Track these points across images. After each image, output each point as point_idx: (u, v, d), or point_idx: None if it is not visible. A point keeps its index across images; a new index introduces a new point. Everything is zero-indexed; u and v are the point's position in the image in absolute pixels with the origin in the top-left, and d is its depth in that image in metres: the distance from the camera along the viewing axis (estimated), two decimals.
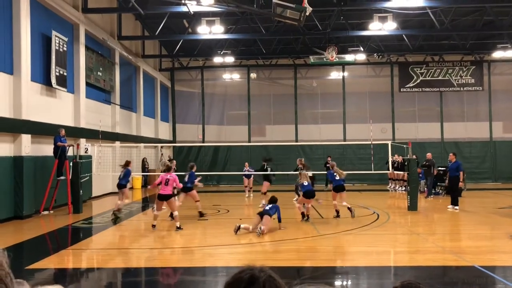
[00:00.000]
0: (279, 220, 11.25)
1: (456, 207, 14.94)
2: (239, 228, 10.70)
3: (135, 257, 9.11)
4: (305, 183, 12.62)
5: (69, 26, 17.06)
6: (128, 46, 23.13)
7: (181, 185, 12.37)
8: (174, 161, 20.89)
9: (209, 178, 27.18)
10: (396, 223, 12.82)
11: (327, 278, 7.66)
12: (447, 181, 20.01)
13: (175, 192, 14.80)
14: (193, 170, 14.03)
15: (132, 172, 22.71)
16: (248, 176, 19.64)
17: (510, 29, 22.16)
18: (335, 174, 13.56)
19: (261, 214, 11.01)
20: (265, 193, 15.70)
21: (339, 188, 13.45)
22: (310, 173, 15.90)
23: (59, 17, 16.22)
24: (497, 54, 25.39)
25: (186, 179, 13.68)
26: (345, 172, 14.00)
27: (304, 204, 12.89)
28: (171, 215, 12.23)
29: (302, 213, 12.73)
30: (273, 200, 11.64)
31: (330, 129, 28.66)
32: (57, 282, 7.08)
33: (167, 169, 12.04)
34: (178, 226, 11.38)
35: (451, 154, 16.09)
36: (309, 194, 12.51)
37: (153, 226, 11.57)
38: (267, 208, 11.31)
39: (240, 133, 29.10)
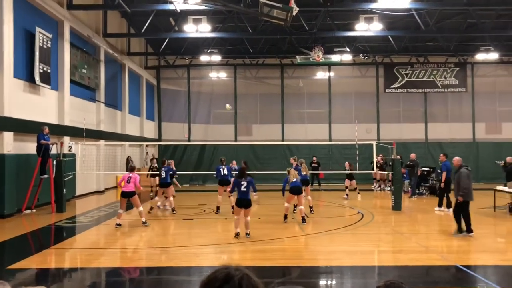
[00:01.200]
0: (254, 190, 10.68)
1: (438, 209, 15.02)
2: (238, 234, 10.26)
3: (119, 257, 9.04)
4: (294, 180, 12.56)
5: (54, 22, 16.84)
6: (113, 43, 22.92)
7: (140, 187, 12.38)
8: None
9: (195, 178, 27.10)
10: (380, 222, 12.93)
11: (312, 277, 7.71)
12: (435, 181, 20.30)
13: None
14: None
15: (117, 171, 22.71)
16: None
17: (492, 32, 22.53)
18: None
19: (243, 204, 10.23)
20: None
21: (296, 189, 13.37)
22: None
23: (43, 13, 15.99)
24: (480, 56, 25.77)
25: (225, 172, 14.75)
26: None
27: (295, 206, 12.79)
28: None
29: (285, 215, 12.55)
30: (243, 172, 10.58)
31: (316, 129, 28.79)
32: (39, 282, 7.00)
33: (131, 169, 12.46)
34: (144, 221, 11.90)
35: (441, 155, 15.86)
36: (295, 190, 12.37)
37: (118, 224, 11.72)
38: (244, 189, 10.17)
39: (227, 132, 29.05)
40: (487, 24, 22.01)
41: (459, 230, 10.65)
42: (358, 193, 19.31)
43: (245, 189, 10.21)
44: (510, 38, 25.25)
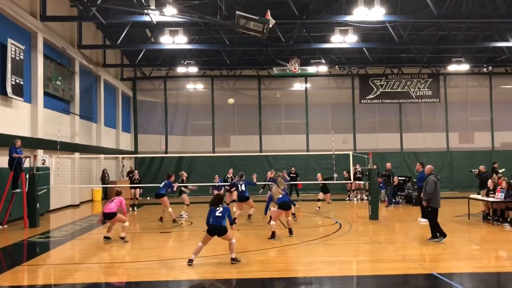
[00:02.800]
0: (231, 223, 9.76)
1: (423, 220, 14.54)
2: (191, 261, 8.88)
3: (95, 272, 8.82)
4: (280, 196, 12.14)
5: (27, 34, 16.56)
6: (88, 55, 22.65)
7: (125, 212, 11.88)
8: (136, 171, 20.57)
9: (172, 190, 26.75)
10: (358, 232, 13.01)
11: None
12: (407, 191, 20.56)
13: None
14: (243, 178, 14.94)
15: (92, 184, 22.33)
16: (218, 188, 18.24)
17: (463, 44, 23.18)
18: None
19: (214, 232, 8.97)
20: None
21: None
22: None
23: (16, 24, 15.72)
24: (452, 68, 26.46)
25: (243, 188, 14.64)
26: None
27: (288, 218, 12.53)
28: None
29: (273, 232, 11.61)
30: (220, 198, 9.53)
31: (293, 140, 28.95)
32: None
33: (117, 194, 11.87)
34: (122, 236, 11.46)
35: (417, 164, 15.98)
36: (284, 205, 11.91)
37: (106, 237, 11.59)
38: (218, 214, 9.02)
39: (204, 144, 28.94)
40: (458, 36, 22.64)
41: (434, 236, 11.03)
42: (329, 202, 18.36)
43: (220, 214, 9.03)
44: (480, 50, 26.05)
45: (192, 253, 8.94)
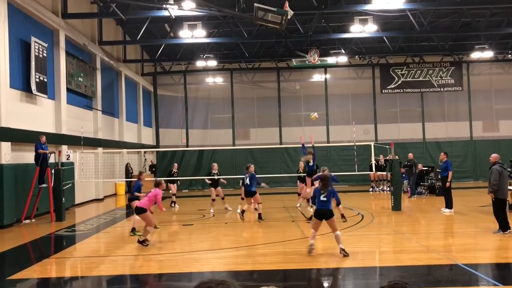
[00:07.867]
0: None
1: (447, 210, 14.39)
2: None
3: (120, 265, 9.00)
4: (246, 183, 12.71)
5: (49, 31, 16.85)
6: (109, 51, 22.94)
7: (163, 207, 10.87)
8: (176, 164, 19.39)
9: (194, 183, 27.13)
10: (380, 223, 12.93)
11: (313, 280, 7.70)
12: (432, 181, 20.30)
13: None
14: (252, 172, 13.56)
15: (115, 178, 22.69)
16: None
17: (486, 31, 22.65)
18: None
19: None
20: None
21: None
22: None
23: (38, 22, 16.00)
24: (475, 55, 25.85)
25: (247, 181, 13.36)
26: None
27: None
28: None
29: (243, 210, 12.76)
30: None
31: (313, 131, 28.69)
32: None
33: (156, 185, 10.83)
34: (141, 240, 10.24)
35: (442, 154, 15.35)
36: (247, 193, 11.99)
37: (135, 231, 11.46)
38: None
39: (225, 137, 29.06)
40: (481, 22, 22.12)
41: (503, 229, 10.52)
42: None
43: (324, 198, 9.02)
44: (504, 36, 25.39)
45: (310, 239, 9.06)
